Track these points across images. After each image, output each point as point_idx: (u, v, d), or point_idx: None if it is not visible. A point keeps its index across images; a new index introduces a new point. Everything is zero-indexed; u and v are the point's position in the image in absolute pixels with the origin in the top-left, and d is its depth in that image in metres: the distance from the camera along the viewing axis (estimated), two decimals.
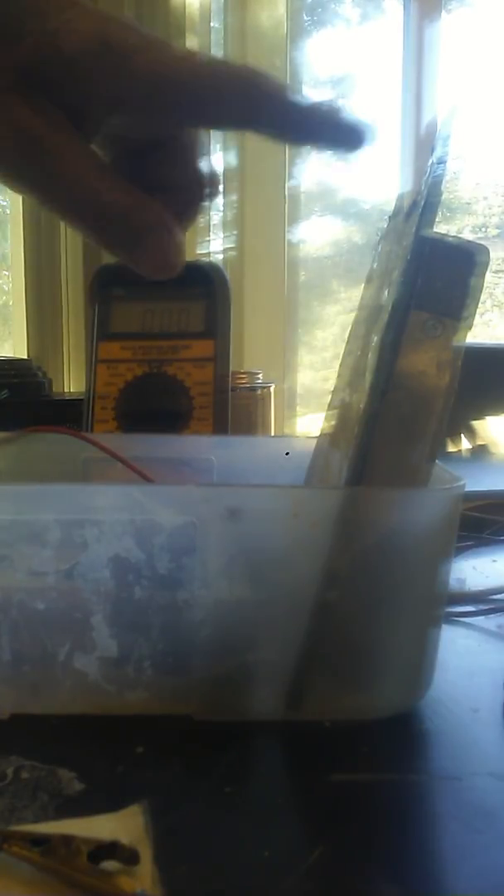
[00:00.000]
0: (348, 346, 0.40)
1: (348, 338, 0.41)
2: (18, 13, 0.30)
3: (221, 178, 0.36)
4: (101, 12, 0.31)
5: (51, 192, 0.32)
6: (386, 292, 0.34)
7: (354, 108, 0.33)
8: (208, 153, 0.36)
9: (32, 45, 0.30)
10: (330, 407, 0.42)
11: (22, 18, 0.30)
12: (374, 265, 0.39)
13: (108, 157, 0.35)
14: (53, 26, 0.30)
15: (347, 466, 0.32)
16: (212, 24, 1.72)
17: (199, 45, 1.67)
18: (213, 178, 0.36)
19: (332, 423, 0.41)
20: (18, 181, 0.32)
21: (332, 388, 0.42)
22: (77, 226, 0.32)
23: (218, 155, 1.67)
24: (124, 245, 0.33)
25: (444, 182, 0.31)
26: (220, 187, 0.36)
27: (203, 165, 0.36)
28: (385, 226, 0.37)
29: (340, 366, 0.41)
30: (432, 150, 0.32)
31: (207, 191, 0.36)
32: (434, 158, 0.32)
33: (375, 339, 0.33)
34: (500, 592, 0.48)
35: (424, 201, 0.31)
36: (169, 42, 0.32)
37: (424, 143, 1.86)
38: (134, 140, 0.34)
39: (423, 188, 0.31)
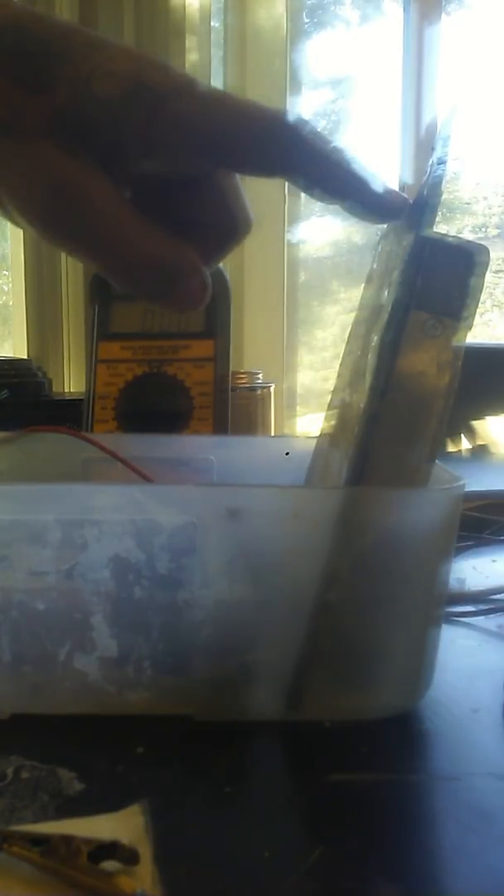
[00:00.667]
0: (348, 346, 0.40)
1: (348, 338, 0.41)
2: (48, 59, 0.30)
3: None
4: (132, 52, 0.31)
5: (83, 240, 0.31)
6: (386, 292, 0.34)
7: (387, 181, 0.32)
8: (242, 195, 0.35)
9: (67, 92, 0.30)
10: (330, 407, 0.42)
11: (52, 64, 0.30)
12: (374, 265, 0.39)
13: (137, 195, 0.34)
14: (87, 70, 0.30)
15: (347, 466, 0.32)
16: (212, 25, 1.72)
17: (198, 45, 1.67)
18: (245, 220, 0.35)
19: (332, 423, 0.41)
20: (50, 229, 0.31)
21: (332, 388, 0.42)
22: (108, 273, 0.32)
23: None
24: (155, 292, 0.32)
25: (444, 182, 0.31)
26: (251, 225, 0.36)
27: (236, 206, 0.35)
28: (385, 226, 0.37)
29: (340, 366, 0.41)
30: (432, 150, 0.32)
31: (240, 232, 0.35)
32: (434, 159, 0.32)
33: (375, 339, 0.33)
34: (500, 592, 0.48)
35: (425, 202, 0.31)
36: (199, 81, 0.31)
37: (424, 144, 1.86)
38: (165, 179, 0.34)
39: (423, 188, 0.31)
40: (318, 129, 0.32)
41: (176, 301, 0.32)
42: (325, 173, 0.32)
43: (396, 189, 0.33)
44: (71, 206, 0.31)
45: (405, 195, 0.32)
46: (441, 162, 0.31)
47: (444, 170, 0.31)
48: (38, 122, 0.30)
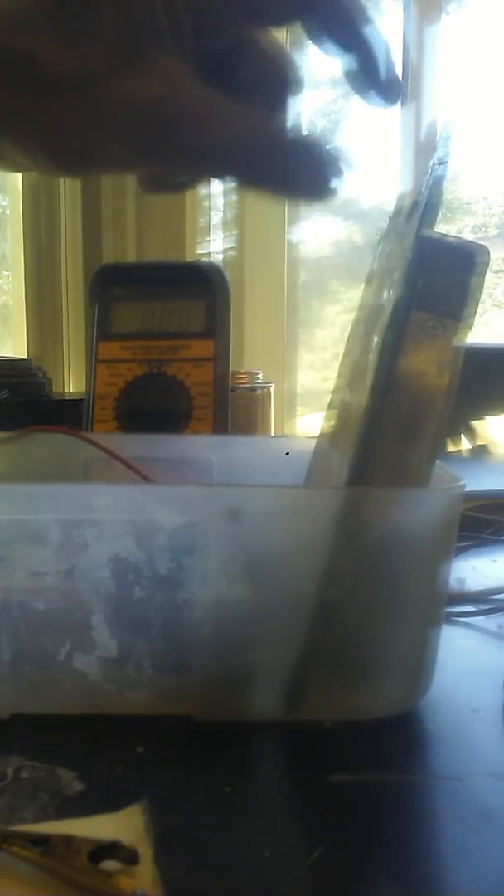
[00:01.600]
0: (348, 346, 0.40)
1: (348, 338, 0.41)
2: None
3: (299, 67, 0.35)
4: None
5: (187, 143, 0.31)
6: (386, 293, 0.34)
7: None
8: (281, 46, 0.34)
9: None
10: (330, 407, 0.42)
11: None
12: (375, 265, 0.39)
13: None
14: None
15: (348, 466, 0.32)
16: None
17: None
18: (293, 67, 0.34)
19: (332, 423, 0.41)
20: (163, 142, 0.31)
21: (332, 388, 0.42)
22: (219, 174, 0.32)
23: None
24: (268, 180, 0.32)
25: (444, 182, 0.31)
26: (303, 76, 0.35)
27: (282, 54, 0.34)
28: (385, 226, 0.37)
29: (340, 366, 0.41)
30: (434, 150, 0.32)
31: (292, 80, 0.34)
32: (435, 159, 0.32)
33: (376, 339, 0.33)
34: (500, 592, 0.48)
35: (425, 202, 0.31)
36: None
37: (424, 144, 1.86)
38: (213, 51, 0.33)
39: (423, 188, 0.31)
40: None
41: (294, 190, 0.32)
42: (340, 20, 0.31)
43: (400, 81, 0.32)
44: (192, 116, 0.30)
45: (403, 87, 0.32)
46: (442, 162, 0.31)
47: (444, 170, 0.31)
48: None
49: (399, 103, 0.33)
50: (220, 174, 0.34)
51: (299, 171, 0.31)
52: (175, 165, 0.33)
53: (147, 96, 0.30)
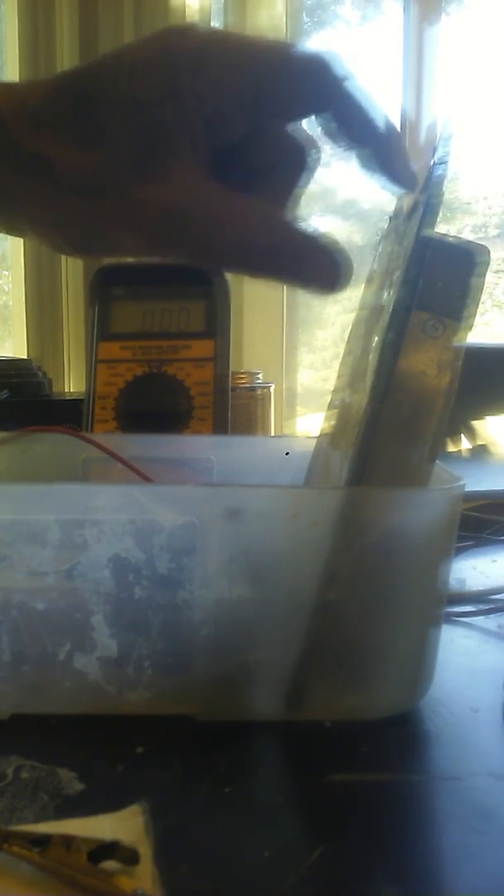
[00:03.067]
0: (348, 346, 0.40)
1: (348, 338, 0.41)
2: (100, 97, 0.30)
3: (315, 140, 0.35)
4: (153, 36, 0.31)
5: (200, 244, 0.31)
6: (386, 293, 0.34)
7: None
8: (298, 124, 0.34)
9: (126, 115, 0.30)
10: (330, 407, 0.42)
11: (103, 99, 0.30)
12: (375, 265, 0.39)
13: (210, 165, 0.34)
14: (125, 83, 0.30)
15: (348, 467, 0.32)
16: (212, 24, 1.72)
17: None
18: (310, 143, 0.35)
19: (332, 423, 0.41)
20: (159, 244, 0.32)
21: (332, 388, 0.42)
22: (230, 268, 0.32)
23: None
24: (282, 273, 0.32)
25: (445, 182, 0.31)
26: (320, 149, 0.35)
27: (297, 135, 0.34)
28: (385, 226, 0.37)
29: (340, 366, 0.41)
30: (434, 150, 0.32)
31: (310, 155, 0.35)
32: (435, 159, 0.32)
33: (376, 339, 0.33)
34: (500, 592, 0.48)
35: (425, 202, 0.31)
36: (224, 32, 0.32)
37: (424, 145, 1.86)
38: (223, 144, 0.33)
39: (423, 188, 0.31)
40: (348, 65, 0.32)
41: (309, 280, 0.32)
42: (354, 116, 0.32)
43: (412, 161, 0.32)
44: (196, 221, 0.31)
45: (416, 172, 0.32)
46: (442, 162, 0.31)
47: (445, 170, 0.31)
48: (118, 157, 0.30)
49: (409, 185, 0.33)
50: (232, 268, 0.34)
51: (310, 266, 0.32)
52: (188, 259, 0.33)
53: (160, 202, 0.31)
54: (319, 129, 0.32)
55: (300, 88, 0.31)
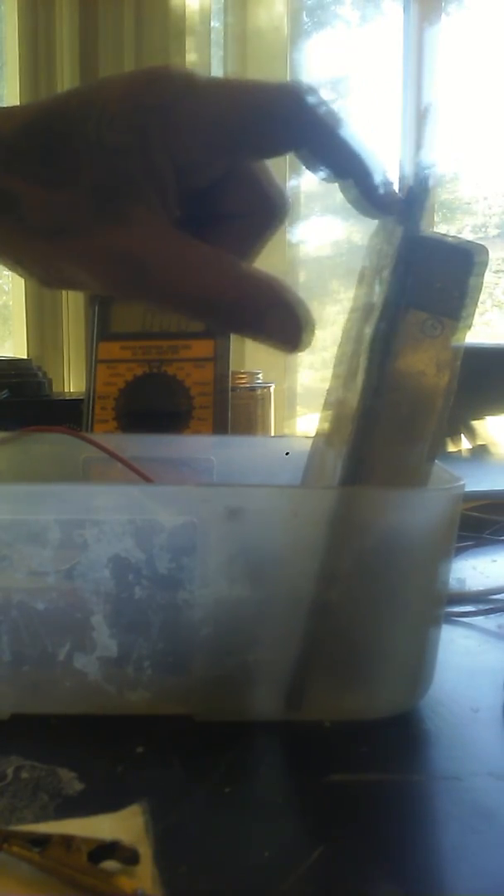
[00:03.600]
0: (343, 346, 0.40)
1: (342, 336, 0.41)
2: (68, 142, 0.30)
3: (289, 197, 0.35)
4: (123, 81, 0.31)
5: (159, 292, 0.31)
6: (376, 290, 0.34)
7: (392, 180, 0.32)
8: (268, 174, 0.34)
9: (95, 165, 0.30)
10: (325, 406, 0.42)
11: (72, 143, 0.30)
12: (366, 262, 0.38)
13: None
14: (94, 132, 0.30)
15: (341, 465, 0.32)
16: (212, 25, 1.72)
17: (198, 45, 1.67)
18: (281, 198, 0.35)
19: (328, 422, 0.41)
20: (119, 288, 0.32)
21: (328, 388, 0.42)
22: (192, 316, 0.33)
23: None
24: (243, 329, 0.32)
25: (431, 179, 0.31)
26: (290, 206, 0.35)
27: (265, 189, 0.34)
28: (376, 222, 0.37)
29: (336, 365, 0.41)
30: (419, 148, 0.32)
31: (279, 211, 0.35)
32: (421, 157, 0.32)
33: (367, 334, 0.33)
34: (500, 592, 0.48)
35: (412, 197, 0.31)
36: (196, 74, 0.31)
37: (419, 143, 1.86)
38: (198, 187, 0.33)
39: (412, 185, 0.31)
40: (322, 98, 0.31)
41: (270, 337, 0.32)
42: (331, 150, 0.31)
43: (394, 184, 0.32)
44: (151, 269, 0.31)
45: (398, 194, 0.32)
46: (426, 164, 0.32)
47: (432, 169, 0.31)
48: (79, 203, 0.30)
49: (392, 209, 0.33)
50: (191, 317, 0.34)
51: (270, 322, 0.31)
52: (149, 304, 0.33)
53: (120, 247, 0.31)
54: (301, 162, 0.32)
55: (274, 132, 0.31)
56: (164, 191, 0.31)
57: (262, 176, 0.34)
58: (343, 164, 0.32)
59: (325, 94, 0.31)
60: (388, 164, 0.32)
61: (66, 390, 1.58)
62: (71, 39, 1.60)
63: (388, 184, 0.32)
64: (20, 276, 0.33)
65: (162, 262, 0.31)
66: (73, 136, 0.30)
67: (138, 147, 0.30)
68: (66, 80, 1.60)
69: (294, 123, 0.31)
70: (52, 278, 0.32)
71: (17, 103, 1.63)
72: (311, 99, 0.31)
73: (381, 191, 0.32)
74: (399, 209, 0.32)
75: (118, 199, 0.30)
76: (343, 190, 0.33)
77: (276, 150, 0.32)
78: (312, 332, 0.32)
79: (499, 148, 1.96)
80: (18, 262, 0.32)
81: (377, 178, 0.32)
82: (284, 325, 0.31)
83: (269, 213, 0.34)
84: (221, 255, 0.31)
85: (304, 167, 0.32)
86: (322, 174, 0.32)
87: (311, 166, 0.32)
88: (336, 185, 0.33)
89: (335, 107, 0.31)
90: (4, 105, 0.34)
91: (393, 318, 0.30)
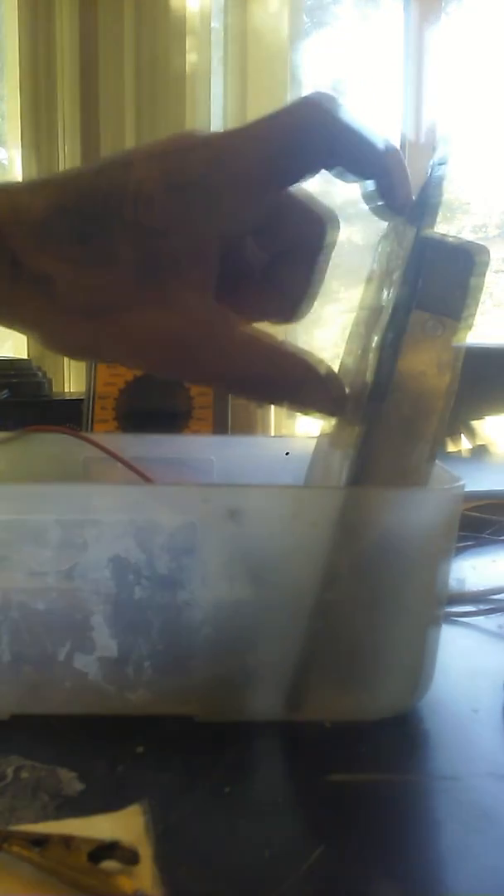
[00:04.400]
0: (348, 346, 0.40)
1: (348, 338, 0.41)
2: (104, 222, 0.30)
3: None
4: (154, 156, 0.30)
5: (200, 374, 0.32)
6: (386, 293, 0.34)
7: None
8: (307, 192, 0.34)
9: (133, 244, 0.30)
10: None
11: (109, 225, 0.30)
12: (374, 265, 0.39)
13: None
14: (130, 213, 0.30)
15: (348, 466, 0.32)
16: (212, 25, 1.72)
17: (198, 45, 1.67)
18: (327, 211, 0.34)
19: (332, 423, 0.41)
20: (166, 367, 0.32)
21: None
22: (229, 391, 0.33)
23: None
24: (280, 402, 0.33)
25: (444, 183, 0.31)
26: (337, 221, 0.35)
27: (310, 204, 0.34)
28: (386, 226, 0.37)
29: (340, 366, 0.41)
30: (433, 150, 0.32)
31: (329, 222, 0.34)
32: (435, 159, 0.32)
33: (376, 339, 0.33)
34: (500, 592, 0.48)
35: (425, 202, 0.31)
36: (215, 134, 0.31)
37: (425, 145, 1.86)
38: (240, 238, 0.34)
39: (423, 189, 0.31)
40: (340, 103, 0.31)
41: (308, 406, 0.33)
42: (359, 158, 0.31)
43: (410, 185, 0.32)
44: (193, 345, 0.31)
45: (411, 195, 0.32)
46: (442, 163, 0.31)
47: (444, 170, 0.31)
48: (123, 281, 0.30)
49: (405, 210, 0.33)
50: (232, 393, 0.34)
51: (307, 396, 0.32)
52: (186, 381, 0.34)
53: (161, 327, 0.30)
54: (332, 174, 0.32)
55: (307, 158, 0.31)
56: (208, 267, 0.31)
57: (299, 197, 0.34)
58: (369, 167, 0.31)
59: (337, 97, 0.31)
60: (407, 165, 0.32)
61: (66, 390, 1.58)
62: (71, 39, 1.60)
63: (408, 189, 0.32)
64: (43, 347, 0.32)
65: (206, 346, 0.31)
66: (108, 217, 0.30)
67: (180, 226, 0.30)
68: (66, 80, 1.60)
69: (324, 144, 0.31)
70: (87, 355, 0.32)
71: (17, 103, 1.63)
72: (331, 110, 0.30)
73: (401, 192, 0.32)
74: (408, 210, 0.32)
75: (161, 279, 0.30)
76: (363, 188, 0.32)
77: (311, 173, 0.32)
78: (344, 401, 0.33)
79: (499, 148, 1.97)
80: (54, 339, 0.31)
81: (400, 185, 0.32)
82: (318, 398, 0.32)
83: (320, 229, 0.34)
84: (262, 336, 0.32)
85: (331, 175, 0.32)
86: (349, 179, 0.32)
87: (342, 176, 0.32)
88: (342, 183, 0.32)
89: (351, 107, 0.31)
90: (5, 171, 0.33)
91: (403, 320, 0.30)
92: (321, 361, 0.32)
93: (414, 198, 0.32)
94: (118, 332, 0.30)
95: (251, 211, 0.31)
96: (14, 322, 0.31)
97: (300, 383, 0.32)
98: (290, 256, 0.34)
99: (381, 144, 0.31)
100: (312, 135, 0.30)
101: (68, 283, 0.30)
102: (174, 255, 0.30)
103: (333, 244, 0.35)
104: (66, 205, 0.30)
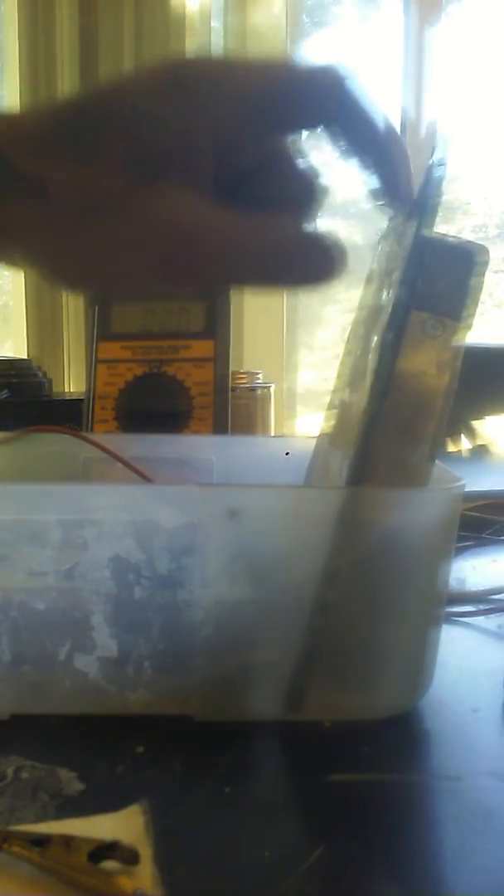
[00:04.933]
0: (348, 346, 0.40)
1: (348, 338, 0.41)
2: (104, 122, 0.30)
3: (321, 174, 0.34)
4: (156, 64, 0.31)
5: (203, 260, 0.31)
6: (386, 293, 0.34)
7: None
8: (307, 157, 0.34)
9: (131, 133, 0.30)
10: (330, 407, 0.42)
11: (107, 121, 0.30)
12: (374, 265, 0.39)
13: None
14: (128, 111, 0.30)
15: (348, 466, 0.32)
16: (212, 24, 1.72)
17: (198, 45, 1.67)
18: (318, 178, 0.34)
19: (332, 423, 0.41)
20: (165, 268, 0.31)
21: (332, 388, 0.42)
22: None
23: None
24: (294, 277, 0.32)
25: (443, 183, 0.31)
26: (327, 189, 0.35)
27: (303, 168, 0.33)
28: (385, 226, 0.37)
29: (340, 366, 0.41)
30: (433, 150, 0.32)
31: (316, 191, 0.34)
32: (434, 159, 0.32)
33: (375, 339, 0.33)
34: (500, 592, 0.48)
35: (425, 202, 0.31)
36: (229, 55, 0.31)
37: (425, 145, 1.86)
38: (234, 169, 0.33)
39: (423, 189, 0.31)
40: (354, 75, 0.31)
41: (310, 276, 0.31)
42: (360, 128, 0.31)
43: (412, 176, 0.32)
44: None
45: (412, 187, 0.32)
46: (441, 163, 0.31)
47: (443, 170, 0.31)
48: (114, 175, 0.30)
49: (406, 202, 0.32)
50: (231, 284, 0.34)
51: (310, 266, 0.31)
52: (186, 282, 0.33)
53: (161, 216, 0.30)
54: (328, 140, 0.32)
55: (312, 103, 0.31)
56: (201, 168, 0.30)
57: (298, 159, 0.33)
58: (369, 145, 0.31)
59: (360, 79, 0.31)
60: (410, 156, 0.32)
61: (66, 390, 1.58)
62: (71, 39, 1.60)
63: (408, 172, 0.32)
64: (49, 279, 0.31)
65: (199, 231, 0.30)
66: (107, 115, 0.30)
67: (179, 120, 0.30)
68: (66, 79, 1.60)
69: (331, 96, 0.30)
70: (86, 273, 0.31)
71: (18, 103, 1.63)
72: (346, 76, 0.31)
73: (400, 179, 0.32)
74: (410, 200, 0.32)
75: (154, 173, 0.30)
76: (363, 173, 0.32)
77: (308, 123, 0.32)
78: (345, 262, 0.31)
79: (499, 148, 1.96)
80: (51, 254, 0.31)
81: (398, 166, 0.31)
82: (321, 264, 0.31)
83: (307, 194, 0.33)
84: (261, 218, 0.31)
85: (330, 143, 0.32)
86: (347, 154, 0.31)
87: (338, 144, 0.31)
88: (342, 184, 0.32)
89: (369, 89, 0.31)
90: (5, 105, 0.34)
91: (402, 320, 0.30)
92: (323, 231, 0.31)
93: (418, 199, 0.32)
94: (113, 229, 0.30)
95: (248, 128, 0.31)
96: (15, 245, 0.31)
97: (305, 255, 0.31)
98: (273, 208, 0.33)
99: (385, 125, 0.31)
100: (323, 83, 0.30)
101: (61, 182, 0.30)
102: (168, 149, 0.30)
103: (318, 208, 0.34)
104: (66, 112, 0.30)
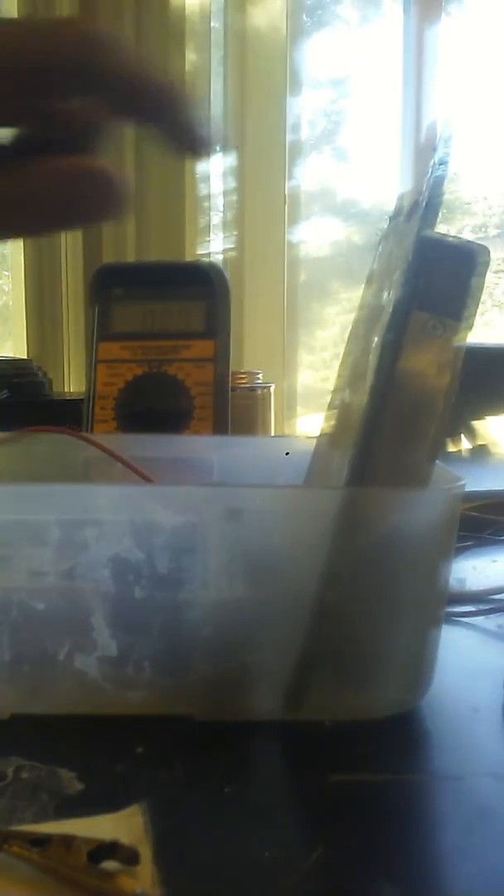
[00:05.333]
0: (348, 347, 0.40)
1: (348, 338, 0.41)
2: None
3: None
4: None
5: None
6: (386, 293, 0.34)
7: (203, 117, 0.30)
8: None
9: None
10: (330, 407, 0.42)
11: None
12: (375, 266, 0.39)
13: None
14: None
15: (348, 466, 0.32)
16: (212, 25, 1.72)
17: (198, 45, 1.67)
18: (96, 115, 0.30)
19: (332, 423, 0.41)
20: None
21: (332, 388, 0.42)
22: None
23: (218, 156, 1.64)
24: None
25: (445, 183, 0.31)
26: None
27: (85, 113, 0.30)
28: (386, 226, 0.37)
29: (340, 366, 0.41)
30: (434, 150, 0.32)
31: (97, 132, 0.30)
32: (435, 159, 0.32)
33: (376, 339, 0.33)
34: (500, 592, 0.48)
35: (426, 202, 0.31)
36: None
37: (425, 144, 1.86)
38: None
39: (424, 189, 0.31)
40: (115, 36, 0.28)
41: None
42: (131, 95, 0.29)
43: (205, 120, 0.29)
44: None
45: (214, 130, 0.30)
46: (442, 163, 0.31)
47: (445, 170, 0.31)
48: None
49: (210, 154, 0.30)
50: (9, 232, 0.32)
51: (85, 200, 0.29)
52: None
53: None
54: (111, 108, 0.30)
55: (57, 79, 0.28)
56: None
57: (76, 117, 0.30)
58: (148, 107, 0.29)
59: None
60: (195, 101, 0.30)
61: (66, 390, 1.58)
62: None
63: (198, 121, 0.29)
64: None
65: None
66: None
67: None
68: None
69: (78, 69, 0.28)
70: None
71: None
72: (96, 37, 0.28)
73: (192, 128, 0.29)
74: (207, 145, 0.29)
75: None
76: (154, 133, 0.29)
77: (78, 90, 0.29)
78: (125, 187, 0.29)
79: (499, 148, 1.97)
80: None
81: (184, 116, 0.29)
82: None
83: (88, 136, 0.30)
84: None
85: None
86: (123, 118, 0.29)
87: (120, 111, 0.29)
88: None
89: (125, 42, 0.29)
90: None
91: (403, 320, 0.30)
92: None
93: (419, 199, 0.32)
94: None
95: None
96: None
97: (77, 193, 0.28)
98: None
99: (154, 77, 0.29)
100: (66, 57, 0.28)
101: None
102: None
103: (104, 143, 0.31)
104: None
